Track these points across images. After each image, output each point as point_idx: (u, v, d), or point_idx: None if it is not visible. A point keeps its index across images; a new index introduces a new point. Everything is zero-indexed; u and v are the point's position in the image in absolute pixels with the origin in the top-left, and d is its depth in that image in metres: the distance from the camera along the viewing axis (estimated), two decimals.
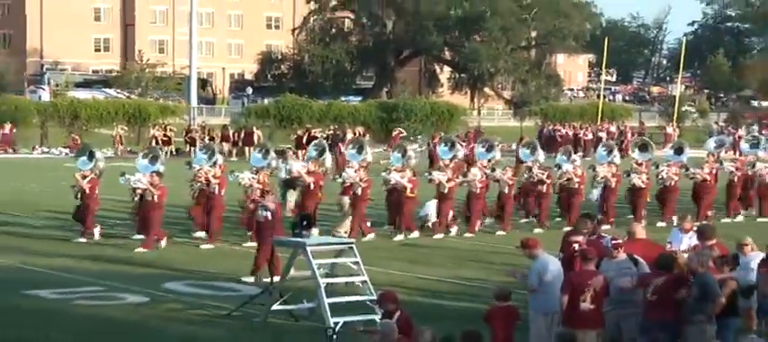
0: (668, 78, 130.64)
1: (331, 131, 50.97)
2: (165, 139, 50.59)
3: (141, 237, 22.37)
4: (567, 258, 14.21)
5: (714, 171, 28.89)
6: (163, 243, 22.05)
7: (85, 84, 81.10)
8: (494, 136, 41.97)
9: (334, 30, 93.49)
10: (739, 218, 27.88)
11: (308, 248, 14.98)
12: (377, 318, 13.18)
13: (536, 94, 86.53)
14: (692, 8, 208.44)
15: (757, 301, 13.98)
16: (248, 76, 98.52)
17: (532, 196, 26.79)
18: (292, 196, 25.85)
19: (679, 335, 12.25)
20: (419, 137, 53.60)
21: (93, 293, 17.48)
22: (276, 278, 16.26)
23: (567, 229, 20.09)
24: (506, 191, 25.78)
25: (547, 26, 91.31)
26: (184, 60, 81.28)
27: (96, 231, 22.99)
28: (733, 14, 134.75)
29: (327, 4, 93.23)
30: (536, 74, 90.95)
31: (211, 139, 49.04)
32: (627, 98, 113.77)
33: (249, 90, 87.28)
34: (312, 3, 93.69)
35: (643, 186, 27.10)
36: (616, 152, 29.34)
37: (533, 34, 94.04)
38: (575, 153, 30.75)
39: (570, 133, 57.86)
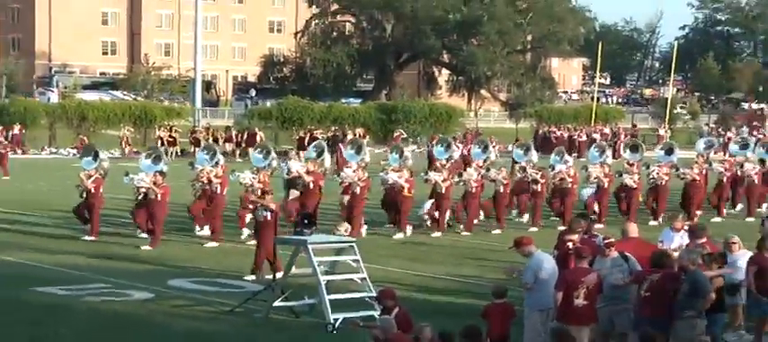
0: (660, 81, 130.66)
1: (331, 133, 51.02)
2: (170, 140, 50.66)
3: (144, 235, 22.41)
4: (562, 256, 14.23)
5: (703, 171, 28.95)
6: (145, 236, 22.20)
7: (93, 86, 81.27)
8: (491, 137, 42.14)
9: (335, 33, 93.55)
10: (717, 219, 27.80)
11: (310, 246, 15.00)
12: (376, 314, 13.19)
13: (531, 96, 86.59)
14: (683, 13, 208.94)
15: (746, 299, 14.01)
16: (251, 79, 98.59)
17: (526, 195, 26.80)
18: (294, 196, 25.86)
19: (670, 330, 12.27)
20: (418, 138, 53.62)
21: (101, 290, 17.50)
22: (279, 274, 16.29)
23: (561, 228, 20.15)
24: (502, 190, 25.81)
25: (542, 30, 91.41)
26: (189, 63, 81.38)
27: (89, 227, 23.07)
28: (723, 19, 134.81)
29: (328, 8, 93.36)
30: (531, 77, 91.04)
31: (215, 140, 49.10)
32: (620, 100, 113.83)
33: (252, 92, 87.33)
34: (314, 7, 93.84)
35: (634, 186, 27.13)
36: (608, 153, 29.37)
37: (529, 38, 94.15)
38: (569, 154, 30.80)
39: (565, 135, 57.90)
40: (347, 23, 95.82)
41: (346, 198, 24.20)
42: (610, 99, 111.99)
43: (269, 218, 18.50)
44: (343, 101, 72.36)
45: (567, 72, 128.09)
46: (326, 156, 29.01)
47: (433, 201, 25.09)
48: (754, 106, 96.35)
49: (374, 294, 14.19)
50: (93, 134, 51.10)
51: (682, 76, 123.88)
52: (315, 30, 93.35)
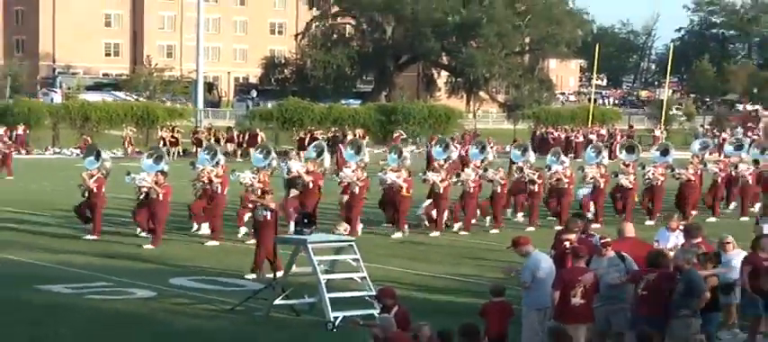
0: (656, 83, 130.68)
1: (331, 133, 51.02)
2: (172, 140, 50.68)
3: (144, 234, 22.42)
4: (559, 256, 14.23)
5: (698, 172, 28.97)
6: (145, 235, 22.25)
7: (96, 87, 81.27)
8: (489, 137, 42.13)
9: (335, 35, 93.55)
10: (712, 219, 27.82)
11: (310, 245, 15.00)
12: (376, 312, 13.19)
13: (529, 97, 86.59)
14: (679, 15, 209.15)
15: (740, 298, 14.00)
16: (253, 80, 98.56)
17: (523, 195, 26.81)
18: (293, 196, 25.88)
19: (666, 329, 12.27)
20: (417, 139, 53.62)
21: (104, 288, 17.51)
22: (279, 273, 16.29)
23: (558, 228, 20.15)
24: (499, 190, 25.82)
25: (540, 33, 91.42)
26: (191, 65, 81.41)
27: (89, 225, 23.05)
28: (718, 22, 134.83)
29: (329, 10, 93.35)
30: (529, 78, 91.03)
31: (217, 140, 49.11)
32: (617, 102, 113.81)
33: (253, 93, 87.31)
34: (314, 9, 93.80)
35: (630, 186, 27.14)
36: (604, 153, 29.38)
37: (527, 40, 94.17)
38: (566, 155, 30.78)
39: (562, 136, 57.91)
40: (347, 25, 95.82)
41: (345, 198, 24.20)
42: (606, 100, 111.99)
43: (268, 217, 18.51)
44: (344, 102, 72.38)
45: (565, 74, 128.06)
46: (326, 156, 29.05)
47: (430, 201, 25.09)
48: (749, 108, 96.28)
49: (374, 293, 14.18)
50: (96, 134, 51.08)
51: (677, 77, 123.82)
52: (315, 32, 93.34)
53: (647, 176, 27.52)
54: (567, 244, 14.32)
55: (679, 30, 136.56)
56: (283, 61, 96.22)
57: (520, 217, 26.94)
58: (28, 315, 15.35)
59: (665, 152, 30.01)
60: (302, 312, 15.49)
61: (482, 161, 27.97)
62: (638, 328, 11.58)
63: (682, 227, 15.82)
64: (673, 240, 15.39)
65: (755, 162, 30.62)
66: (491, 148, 38.23)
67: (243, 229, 22.94)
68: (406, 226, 24.47)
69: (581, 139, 56.19)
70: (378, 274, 17.08)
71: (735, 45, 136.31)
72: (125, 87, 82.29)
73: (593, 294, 12.53)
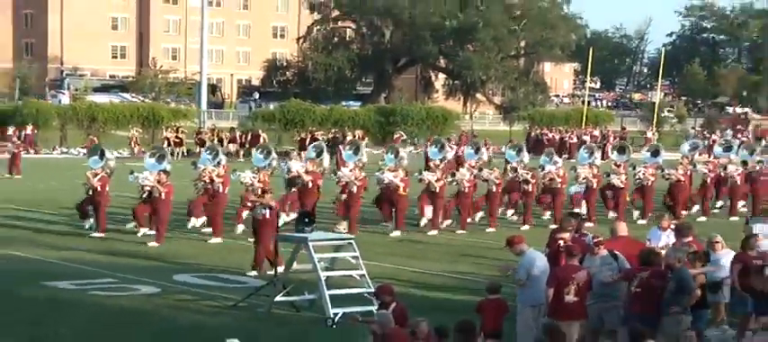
0: (648, 86, 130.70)
1: (332, 134, 51.00)
2: (177, 140, 50.68)
3: (143, 230, 22.45)
4: (553, 254, 14.21)
5: (688, 172, 29.01)
6: (142, 230, 22.22)
7: (103, 89, 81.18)
8: (485, 139, 42.14)
9: (336, 39, 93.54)
10: (702, 218, 27.82)
11: (310, 243, 14.99)
12: (374, 309, 13.16)
13: (524, 100, 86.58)
14: (670, 20, 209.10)
15: (730, 297, 13.98)
16: (255, 82, 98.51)
17: (516, 194, 26.81)
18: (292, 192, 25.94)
19: (658, 326, 12.26)
20: (416, 140, 53.63)
21: (108, 285, 17.47)
22: (280, 268, 16.27)
23: (553, 226, 20.15)
24: (494, 189, 25.82)
25: (535, 37, 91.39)
26: (195, 67, 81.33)
27: (88, 222, 23.01)
28: (709, 26, 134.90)
29: (330, 14, 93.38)
30: (524, 81, 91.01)
31: (220, 140, 49.12)
32: (610, 104, 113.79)
33: (256, 95, 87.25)
34: (315, 13, 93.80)
35: (621, 186, 27.18)
36: (597, 154, 29.42)
37: (522, 44, 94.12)
38: (560, 155, 30.80)
39: (556, 137, 57.91)
40: (348, 29, 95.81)
41: (343, 196, 24.22)
42: (600, 103, 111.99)
43: (267, 216, 18.51)
44: (344, 104, 72.32)
45: (559, 77, 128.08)
46: (325, 156, 29.05)
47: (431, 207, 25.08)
48: (739, 110, 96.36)
49: (372, 290, 14.16)
50: (102, 135, 51.08)
51: (669, 81, 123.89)
52: (316, 35, 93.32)
53: (637, 176, 27.59)
54: (561, 243, 14.30)
55: (671, 34, 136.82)
56: (285, 64, 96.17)
57: (510, 214, 26.93)
58: (34, 311, 15.33)
59: (655, 153, 30.06)
60: (303, 309, 15.48)
61: (477, 161, 28.04)
62: (631, 325, 11.56)
63: (673, 226, 15.81)
64: (664, 239, 15.39)
65: (744, 163, 30.65)
66: (486, 148, 38.30)
67: (240, 227, 22.95)
68: (389, 225, 24.46)
69: (575, 140, 56.19)
70: (376, 271, 17.05)
71: (725, 49, 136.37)
72: (131, 89, 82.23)
73: (586, 292, 12.52)
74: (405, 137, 51.22)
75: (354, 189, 24.10)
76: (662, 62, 74.12)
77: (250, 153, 46.61)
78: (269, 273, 17.24)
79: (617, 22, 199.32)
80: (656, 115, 69.10)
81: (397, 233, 24.02)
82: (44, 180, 35.93)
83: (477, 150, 29.89)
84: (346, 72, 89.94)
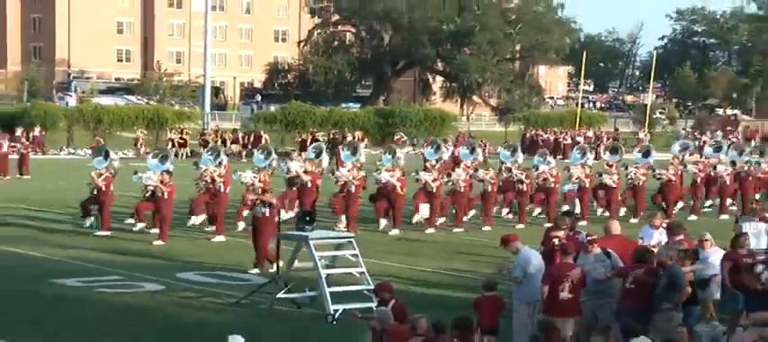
0: (640, 88, 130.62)
1: (331, 135, 50.99)
2: (181, 141, 50.67)
3: (140, 225, 22.50)
4: (548, 252, 14.20)
5: (678, 172, 29.03)
6: (139, 226, 22.25)
7: (108, 91, 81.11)
8: (482, 140, 42.13)
9: (336, 43, 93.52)
10: (692, 217, 27.83)
11: (311, 242, 14.98)
12: (374, 306, 13.15)
13: (520, 102, 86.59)
14: (662, 24, 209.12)
15: (721, 294, 13.97)
16: (257, 85, 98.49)
17: (511, 193, 26.83)
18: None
19: (649, 322, 12.26)
20: (414, 141, 53.66)
21: (114, 282, 17.46)
22: (280, 263, 16.26)
23: (548, 225, 20.14)
24: (489, 189, 25.83)
25: (530, 40, 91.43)
26: (199, 70, 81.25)
27: (89, 221, 23.00)
28: (699, 30, 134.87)
29: (330, 19, 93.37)
30: (520, 84, 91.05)
31: (223, 142, 49.11)
32: (603, 106, 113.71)
33: (258, 97, 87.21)
34: (316, 18, 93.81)
35: (613, 186, 27.21)
36: (589, 154, 29.47)
37: (518, 47, 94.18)
38: (555, 156, 30.84)
39: (551, 138, 57.90)
40: (347, 33, 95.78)
41: (341, 195, 24.25)
42: (593, 105, 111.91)
43: (267, 214, 18.51)
44: (344, 106, 72.36)
45: (554, 79, 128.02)
46: (324, 156, 29.08)
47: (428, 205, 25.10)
48: (728, 112, 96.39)
49: (372, 287, 14.14)
50: (108, 136, 51.04)
51: (661, 83, 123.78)
52: (317, 39, 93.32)
53: (629, 176, 27.65)
54: (556, 241, 14.30)
55: (662, 38, 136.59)
56: (286, 67, 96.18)
57: (505, 213, 26.94)
58: (42, 307, 15.33)
59: (646, 154, 30.12)
60: (304, 305, 15.47)
61: (472, 162, 28.09)
62: (623, 321, 11.56)
63: (665, 225, 15.81)
64: (656, 237, 15.39)
65: (733, 163, 30.69)
66: (482, 149, 38.31)
67: (241, 224, 22.95)
68: (384, 222, 24.45)
69: (569, 141, 56.15)
70: (375, 269, 17.03)
71: (715, 52, 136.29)
72: (136, 91, 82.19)
73: (580, 289, 12.52)
74: (404, 138, 51.23)
75: (353, 189, 24.14)
76: (654, 65, 74.09)
77: (252, 154, 46.67)
78: (271, 271, 17.24)
79: (610, 26, 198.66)
80: (647, 117, 69.10)
81: (395, 232, 24.01)
82: (52, 180, 35.91)
83: (473, 151, 29.93)
84: (346, 75, 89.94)
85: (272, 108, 66.08)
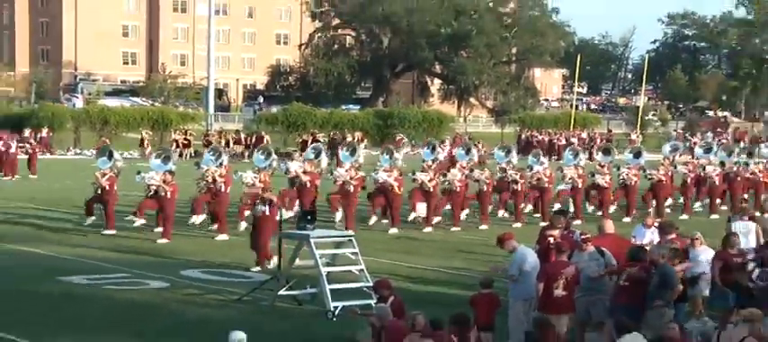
0: (633, 90, 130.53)
1: (331, 136, 50.99)
2: (185, 142, 50.62)
3: (139, 221, 22.45)
4: (543, 250, 14.20)
5: (669, 173, 29.05)
6: (138, 222, 22.22)
7: (114, 93, 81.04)
8: (479, 140, 42.06)
9: (336, 46, 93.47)
10: (684, 216, 27.85)
11: (312, 240, 14.98)
12: (373, 302, 13.14)
13: (515, 103, 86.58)
14: (654, 28, 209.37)
15: (711, 292, 13.98)
16: (259, 87, 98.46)
17: (506, 193, 26.84)
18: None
19: (642, 319, 12.26)
20: (413, 142, 53.66)
21: (120, 279, 17.45)
22: (274, 261, 16.23)
23: (543, 224, 20.15)
24: (485, 189, 25.84)
25: (526, 44, 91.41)
26: (203, 72, 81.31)
27: (91, 219, 22.99)
28: (690, 34, 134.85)
29: (331, 22, 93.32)
30: (516, 86, 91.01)
31: (227, 142, 49.07)
32: (596, 108, 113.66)
33: (260, 99, 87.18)
34: (317, 22, 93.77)
35: (606, 186, 27.22)
36: (582, 155, 29.52)
37: (514, 51, 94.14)
38: (550, 157, 30.83)
39: (546, 139, 57.88)
40: (348, 37, 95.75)
41: (337, 193, 24.30)
42: (586, 106, 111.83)
43: (267, 213, 18.50)
44: (344, 107, 72.31)
45: (549, 82, 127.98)
46: (323, 157, 29.10)
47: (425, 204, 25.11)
48: (718, 114, 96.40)
49: (371, 284, 14.14)
50: (114, 137, 51.02)
51: (652, 86, 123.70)
52: (318, 42, 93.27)
53: (621, 177, 27.70)
54: (551, 239, 14.30)
55: (654, 42, 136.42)
56: (288, 69, 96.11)
57: (501, 213, 26.93)
58: (49, 304, 15.32)
59: (637, 155, 30.17)
60: (304, 302, 15.46)
61: (468, 162, 28.13)
62: (616, 318, 11.56)
63: (657, 224, 15.82)
64: (648, 236, 15.41)
65: (722, 164, 30.71)
66: (478, 150, 38.31)
67: (243, 224, 22.95)
68: (373, 219, 24.43)
69: (563, 142, 56.09)
70: (374, 266, 17.02)
71: (705, 56, 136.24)
72: (141, 93, 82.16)
73: (574, 286, 12.52)
74: (405, 139, 51.26)
75: (351, 188, 24.14)
76: (646, 68, 74.03)
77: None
78: (270, 266, 17.24)
79: (603, 30, 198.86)
80: (640, 118, 69.10)
81: (394, 230, 24.01)
82: (59, 180, 35.88)
83: (468, 151, 29.96)
84: (346, 77, 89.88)
85: (274, 109, 66.01)
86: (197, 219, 23.29)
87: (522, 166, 28.02)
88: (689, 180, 29.48)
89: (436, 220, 25.15)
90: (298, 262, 15.54)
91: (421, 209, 25.03)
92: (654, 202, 27.67)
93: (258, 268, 18.35)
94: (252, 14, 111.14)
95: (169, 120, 56.28)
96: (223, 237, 22.35)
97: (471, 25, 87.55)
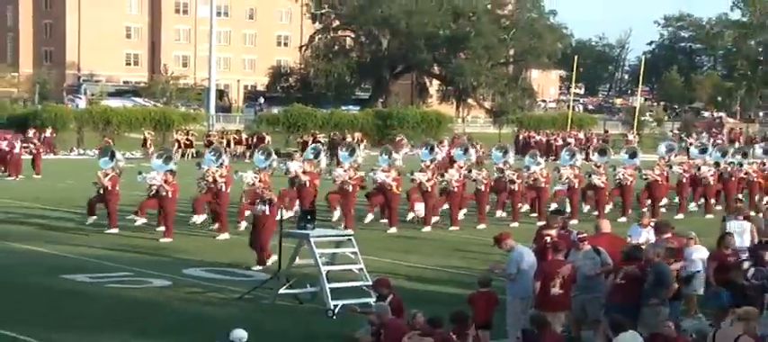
0: (629, 91, 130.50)
1: (330, 137, 50.98)
2: (187, 142, 50.63)
3: (140, 220, 22.48)
4: (540, 249, 14.21)
5: (664, 173, 29.07)
6: (140, 221, 22.26)
7: (117, 93, 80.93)
8: (476, 141, 42.01)
9: (336, 47, 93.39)
10: (679, 216, 27.88)
11: (312, 239, 14.99)
12: (372, 301, 13.16)
13: (513, 104, 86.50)
14: (650, 30, 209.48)
15: (706, 291, 14.00)
16: (260, 88, 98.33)
17: (504, 193, 26.85)
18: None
19: (637, 317, 12.27)
20: (412, 142, 53.67)
21: (123, 278, 17.48)
22: (273, 259, 16.24)
23: (540, 223, 20.16)
24: (482, 189, 25.85)
25: (523, 45, 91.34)
26: (204, 73, 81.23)
27: (92, 219, 22.99)
28: (686, 36, 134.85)
29: (331, 24, 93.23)
30: (513, 87, 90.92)
31: (228, 143, 49.05)
32: (593, 109, 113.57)
33: (261, 100, 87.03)
34: (317, 24, 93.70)
35: (602, 186, 27.23)
36: (578, 156, 29.53)
37: (511, 52, 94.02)
38: (547, 157, 30.83)
39: (543, 139, 57.87)
40: (347, 38, 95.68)
41: (335, 192, 24.33)
42: (581, 107, 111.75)
43: (267, 212, 18.52)
44: (344, 108, 72.24)
45: (546, 83, 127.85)
46: (322, 157, 29.11)
47: (423, 204, 25.13)
48: (714, 114, 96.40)
49: (370, 283, 14.16)
50: (117, 137, 51.01)
51: (649, 87, 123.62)
52: (318, 44, 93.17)
53: (617, 177, 27.70)
54: (548, 239, 14.31)
55: (650, 43, 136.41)
56: (289, 70, 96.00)
57: (499, 213, 26.95)
58: (53, 302, 15.33)
59: (632, 155, 30.20)
60: (305, 301, 15.47)
61: (465, 162, 28.15)
62: (612, 316, 11.58)
63: (652, 224, 15.83)
64: (644, 236, 15.42)
65: (716, 164, 30.72)
66: (476, 150, 38.30)
67: (244, 224, 22.96)
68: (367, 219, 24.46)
69: (560, 142, 56.08)
70: (374, 265, 17.05)
71: (701, 57, 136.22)
72: (144, 94, 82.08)
73: (570, 285, 12.54)
74: (405, 140, 51.27)
75: (349, 188, 24.16)
76: (642, 69, 73.99)
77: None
78: (269, 262, 17.26)
79: (600, 32, 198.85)
80: (636, 119, 69.09)
81: (393, 230, 24.02)
82: (62, 179, 35.88)
83: (466, 151, 29.96)
84: (346, 78, 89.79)
85: (275, 110, 65.97)
86: (198, 219, 23.31)
87: (519, 167, 28.02)
88: (684, 180, 29.50)
89: (435, 219, 25.17)
90: (298, 261, 15.55)
91: (420, 209, 25.06)
92: (649, 201, 27.68)
93: (259, 267, 18.36)
94: (253, 16, 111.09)
95: (171, 120, 56.28)
96: (224, 236, 22.37)
97: (469, 27, 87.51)
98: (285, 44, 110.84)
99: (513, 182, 26.42)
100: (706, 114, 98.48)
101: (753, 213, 18.68)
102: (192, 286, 16.95)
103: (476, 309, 12.35)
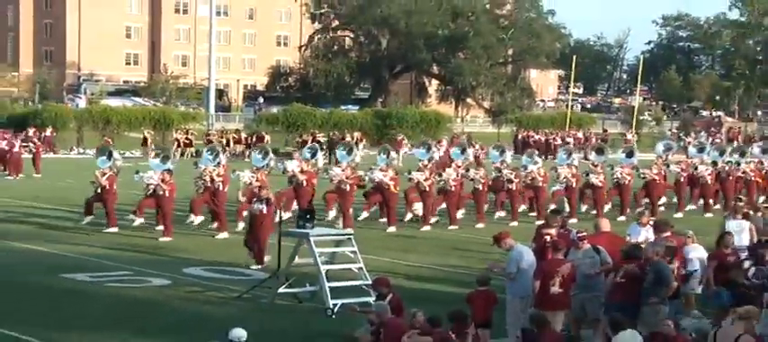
0: (628, 91, 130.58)
1: (329, 136, 50.95)
2: (186, 141, 50.62)
3: (138, 220, 22.44)
4: (539, 248, 14.18)
5: (662, 172, 29.06)
6: (138, 221, 22.20)
7: (117, 93, 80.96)
8: (475, 141, 41.97)
9: (335, 47, 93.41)
10: (678, 214, 27.85)
11: (311, 239, 14.96)
12: (371, 300, 13.12)
13: (512, 104, 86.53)
14: (648, 30, 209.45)
15: (705, 290, 13.96)
16: (260, 88, 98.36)
17: (502, 193, 26.83)
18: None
19: (637, 315, 12.24)
20: (411, 142, 53.63)
21: (123, 277, 17.45)
22: (267, 259, 16.21)
23: (539, 222, 20.13)
24: (480, 188, 25.83)
25: (522, 45, 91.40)
26: (204, 73, 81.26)
27: (89, 218, 22.95)
28: (684, 35, 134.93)
29: (330, 24, 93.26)
30: (512, 87, 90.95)
31: (227, 142, 49.02)
32: (591, 108, 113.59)
33: (260, 99, 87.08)
34: (317, 23, 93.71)
35: (600, 185, 27.21)
36: (575, 155, 29.50)
37: (510, 52, 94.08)
38: (546, 156, 30.80)
39: (542, 139, 57.85)
40: (347, 38, 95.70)
41: (333, 191, 24.32)
42: (579, 106, 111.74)
43: (265, 211, 18.49)
44: (343, 108, 72.25)
45: (545, 83, 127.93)
46: (319, 156, 29.08)
47: (421, 203, 25.11)
48: (712, 114, 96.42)
49: (370, 282, 14.13)
50: (116, 136, 50.98)
51: (647, 86, 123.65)
52: (317, 44, 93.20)
53: (615, 176, 27.70)
54: (547, 238, 14.28)
55: (649, 43, 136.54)
56: (288, 70, 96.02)
57: (500, 213, 26.91)
58: (53, 301, 15.30)
59: (629, 154, 30.19)
60: (304, 300, 15.44)
61: (463, 161, 28.15)
62: (611, 315, 11.54)
63: (651, 222, 15.80)
64: (643, 234, 15.39)
65: (714, 163, 30.69)
66: (474, 150, 38.30)
67: (241, 224, 22.92)
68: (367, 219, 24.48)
69: (559, 141, 56.07)
70: (373, 264, 17.01)
71: (699, 57, 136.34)
72: (143, 93, 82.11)
73: (570, 283, 12.51)
74: (405, 140, 51.26)
75: (347, 187, 24.13)
76: (640, 69, 73.99)
77: None
78: (267, 258, 17.23)
79: (598, 31, 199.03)
80: (635, 118, 69.10)
81: (391, 229, 24.00)
82: (62, 178, 35.86)
83: (464, 151, 29.94)
84: (345, 78, 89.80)
85: (275, 110, 65.94)
86: (195, 219, 23.24)
87: (517, 166, 27.99)
88: (682, 179, 29.49)
89: (434, 219, 25.14)
90: (297, 260, 15.52)
91: (418, 208, 25.03)
92: (646, 200, 27.66)
93: (257, 266, 18.32)
94: (252, 16, 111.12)
95: (171, 119, 56.26)
96: (223, 235, 22.34)
97: (468, 27, 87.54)
98: (285, 44, 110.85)
99: (510, 181, 26.39)
100: (704, 113, 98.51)
101: (751, 212, 18.63)
102: (191, 285, 16.91)
103: (474, 308, 12.31)
